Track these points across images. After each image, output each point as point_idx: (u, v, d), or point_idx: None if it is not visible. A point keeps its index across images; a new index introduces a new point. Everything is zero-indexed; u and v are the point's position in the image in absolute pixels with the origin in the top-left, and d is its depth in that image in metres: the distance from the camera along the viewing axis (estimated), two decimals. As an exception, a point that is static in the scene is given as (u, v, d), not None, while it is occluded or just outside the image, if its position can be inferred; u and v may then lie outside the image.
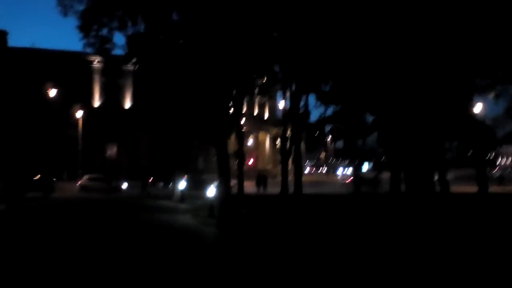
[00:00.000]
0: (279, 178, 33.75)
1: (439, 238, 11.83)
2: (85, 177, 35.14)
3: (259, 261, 9.30)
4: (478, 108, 29.43)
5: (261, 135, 65.92)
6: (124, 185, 35.10)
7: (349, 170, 78.45)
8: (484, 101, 30.14)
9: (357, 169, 37.74)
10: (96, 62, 51.17)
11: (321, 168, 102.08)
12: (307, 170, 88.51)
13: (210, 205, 17.08)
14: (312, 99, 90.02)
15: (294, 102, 31.15)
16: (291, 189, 30.80)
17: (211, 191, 17.33)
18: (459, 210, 18.57)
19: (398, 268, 8.42)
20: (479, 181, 27.73)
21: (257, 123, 61.38)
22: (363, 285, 7.29)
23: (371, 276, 7.90)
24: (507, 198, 25.65)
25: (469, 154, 39.01)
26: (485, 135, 28.46)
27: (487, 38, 19.23)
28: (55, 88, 41.74)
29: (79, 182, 34.29)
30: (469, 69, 21.26)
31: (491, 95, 28.51)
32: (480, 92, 27.23)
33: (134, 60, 26.93)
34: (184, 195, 25.24)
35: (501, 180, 39.04)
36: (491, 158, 74.61)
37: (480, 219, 15.64)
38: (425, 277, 7.75)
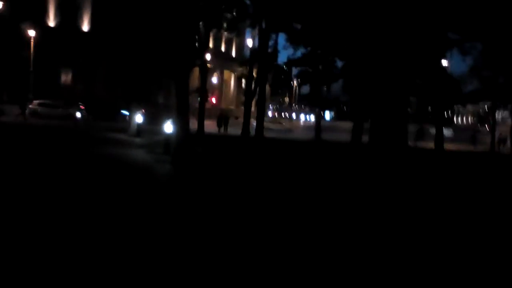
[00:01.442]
0: (241, 119, 33.24)
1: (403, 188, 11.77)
2: (35, 102, 33.18)
3: (208, 199, 8.90)
4: (445, 63, 29.39)
5: (226, 73, 64.39)
6: (78, 114, 33.53)
7: (311, 117, 79.34)
8: (450, 57, 30.16)
9: (319, 116, 37.67)
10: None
11: (283, 113, 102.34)
12: (269, 114, 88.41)
13: (166, 141, 16.44)
14: (281, 39, 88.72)
15: (263, 40, 30.08)
16: (253, 132, 30.46)
17: (167, 127, 16.59)
18: (417, 165, 18.79)
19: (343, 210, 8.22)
20: (437, 137, 28.21)
21: (223, 61, 59.64)
22: (311, 225, 6.99)
23: (315, 220, 7.62)
24: (462, 156, 26.40)
25: (429, 109, 39.49)
26: (452, 90, 28.66)
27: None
28: (6, 1, 38.19)
29: (29, 107, 32.37)
30: (442, 21, 20.85)
31: (458, 51, 28.45)
32: (449, 47, 27.08)
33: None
34: (140, 129, 24.33)
35: (473, 140, 39.23)
36: (449, 115, 77.02)
37: (435, 175, 15.83)
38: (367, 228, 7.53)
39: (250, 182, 11.68)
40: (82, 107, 35.92)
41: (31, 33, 39.25)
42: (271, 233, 6.66)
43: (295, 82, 78.27)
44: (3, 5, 33.02)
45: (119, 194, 9.09)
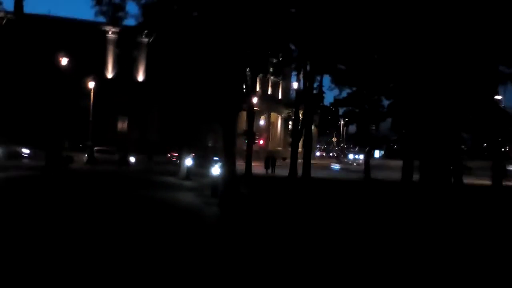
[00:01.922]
0: (289, 160, 33.13)
1: (448, 229, 11.20)
2: (94, 149, 34.92)
3: (253, 243, 8.80)
4: (499, 97, 28.23)
5: (273, 115, 65.08)
6: (132, 159, 34.80)
7: (360, 156, 77.80)
8: (504, 92, 28.89)
9: (368, 155, 36.88)
10: (111, 32, 50.52)
11: (332, 153, 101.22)
12: (317, 154, 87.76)
13: (214, 184, 16.58)
14: (326, 80, 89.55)
15: (308, 82, 30.30)
16: (300, 172, 30.20)
17: (215, 170, 16.79)
18: (471, 202, 17.80)
19: (402, 259, 7.82)
20: (494, 173, 26.71)
21: (270, 103, 60.49)
22: (363, 271, 6.68)
23: (373, 262, 7.28)
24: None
25: (484, 145, 37.70)
26: (507, 125, 27.29)
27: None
28: (69, 57, 41.36)
29: (87, 154, 34.09)
30: (494, 55, 20.23)
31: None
32: (502, 81, 26.06)
33: (147, 31, 26.28)
34: (190, 172, 24.77)
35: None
36: (506, 151, 73.04)
37: (491, 212, 14.88)
38: (429, 268, 7.11)
39: (295, 225, 11.45)
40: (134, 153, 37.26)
41: (91, 85, 41.90)
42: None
43: (342, 121, 77.59)
44: (67, 61, 35.63)
45: (169, 237, 9.20)
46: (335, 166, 51.44)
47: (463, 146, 39.94)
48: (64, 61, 36.41)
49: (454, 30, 16.71)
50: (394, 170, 33.82)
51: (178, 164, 26.95)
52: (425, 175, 15.92)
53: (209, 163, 25.82)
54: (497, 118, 24.59)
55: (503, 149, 42.22)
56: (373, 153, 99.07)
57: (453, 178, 22.12)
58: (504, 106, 30.49)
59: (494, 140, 25.19)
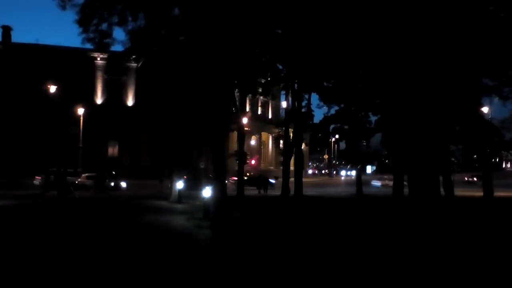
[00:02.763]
0: (281, 180, 33.09)
1: (442, 242, 11.17)
2: (83, 175, 34.61)
3: (246, 267, 8.67)
4: (484, 110, 28.55)
5: (264, 135, 65.30)
6: (123, 184, 34.50)
7: (353, 172, 77.92)
8: (490, 103, 29.25)
9: (360, 171, 36.95)
10: (99, 59, 50.74)
11: (324, 170, 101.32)
12: (310, 172, 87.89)
13: (205, 206, 16.49)
14: (315, 98, 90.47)
15: (296, 101, 30.55)
16: (293, 190, 30.13)
17: (206, 192, 16.66)
18: (464, 214, 17.82)
19: (398, 272, 7.76)
20: (485, 185, 26.84)
21: (260, 123, 60.75)
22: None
23: (370, 281, 7.20)
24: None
25: (474, 157, 38.02)
26: (494, 136, 27.55)
27: (495, 37, 18.50)
28: (58, 84, 41.41)
29: (78, 180, 33.76)
30: (477, 68, 20.53)
31: (497, 97, 27.64)
32: (487, 93, 26.41)
33: (134, 56, 26.39)
34: (181, 195, 24.60)
35: None
36: (496, 162, 73.56)
37: (484, 224, 14.90)
38: (425, 281, 7.06)
39: (287, 245, 11.35)
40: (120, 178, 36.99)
41: (80, 111, 41.76)
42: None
43: (332, 138, 78.06)
44: (56, 88, 35.58)
45: (159, 262, 9.04)
46: (376, 183, 48.88)
47: (453, 159, 40.18)
48: (52, 88, 36.42)
49: (438, 44, 16.95)
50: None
51: (169, 188, 26.74)
52: (415, 189, 15.86)
53: (200, 185, 25.67)
54: (484, 130, 24.86)
55: (493, 160, 42.58)
56: (365, 169, 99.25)
57: (443, 191, 22.16)
58: (490, 118, 30.85)
59: (482, 151, 25.40)
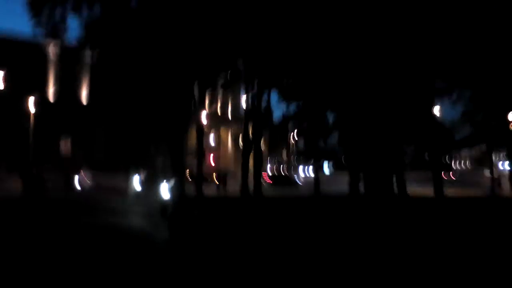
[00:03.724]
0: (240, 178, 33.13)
1: (396, 240, 11.60)
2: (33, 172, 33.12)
3: (200, 267, 8.67)
4: (436, 111, 29.76)
5: (222, 132, 65.03)
6: (76, 182, 33.38)
7: (310, 170, 79.15)
8: (441, 105, 30.53)
9: (317, 169, 37.60)
10: (52, 51, 48.84)
11: (282, 169, 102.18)
12: (268, 171, 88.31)
13: (162, 205, 16.18)
14: (274, 95, 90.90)
15: (256, 98, 30.53)
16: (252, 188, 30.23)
17: (164, 190, 16.38)
18: (416, 212, 18.54)
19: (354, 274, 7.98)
20: (436, 184, 27.98)
21: (220, 120, 60.54)
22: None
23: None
24: (463, 201, 26.08)
25: (426, 157, 39.63)
26: (444, 137, 28.79)
27: (446, 41, 19.30)
28: (7, 76, 39.50)
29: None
30: (429, 71, 21.35)
31: (448, 99, 28.91)
32: (438, 95, 27.56)
33: (89, 48, 25.53)
34: (138, 194, 24.11)
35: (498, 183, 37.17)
36: (448, 161, 77.04)
37: (436, 222, 15.58)
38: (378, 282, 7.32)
39: (245, 245, 11.44)
40: (82, 173, 35.92)
41: (31, 106, 40.06)
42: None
43: (291, 137, 78.87)
44: (4, 85, 33.91)
45: (113, 263, 8.87)
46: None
47: (405, 158, 41.62)
48: (2, 80, 34.59)
49: (392, 46, 17.50)
50: (343, 183, 34.76)
51: (125, 187, 26.19)
52: (370, 187, 16.43)
53: (158, 183, 25.30)
54: (435, 131, 25.94)
55: (442, 160, 44.49)
56: (322, 167, 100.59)
57: (397, 189, 22.96)
58: (443, 119, 32.23)
59: (433, 151, 26.49)
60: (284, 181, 35.41)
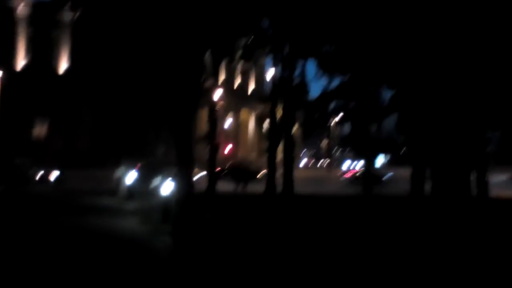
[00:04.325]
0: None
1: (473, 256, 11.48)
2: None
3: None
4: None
5: (243, 114, 65.37)
6: (54, 175, 34.13)
7: (359, 164, 78.75)
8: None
9: (369, 163, 37.30)
10: (21, 8, 49.68)
11: (322, 160, 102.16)
12: (303, 163, 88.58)
13: (165, 206, 16.52)
14: (312, 67, 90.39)
15: (287, 70, 30.52)
16: (280, 186, 30.33)
17: (166, 187, 16.69)
18: (500, 220, 18.24)
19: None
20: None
21: (239, 98, 60.85)
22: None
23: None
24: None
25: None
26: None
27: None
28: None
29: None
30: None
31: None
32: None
33: (70, 3, 25.90)
34: (133, 191, 24.67)
35: None
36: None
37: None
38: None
39: (271, 262, 11.44)
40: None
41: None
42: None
43: (333, 121, 78.52)
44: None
45: (98, 281, 9.06)
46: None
47: (488, 149, 40.90)
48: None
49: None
50: (403, 180, 34.42)
51: (117, 180, 26.70)
52: (439, 187, 16.15)
53: (159, 179, 25.74)
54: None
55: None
56: (375, 160, 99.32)
57: (476, 190, 22.59)
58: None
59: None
60: (369, 179, 35.62)
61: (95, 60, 36.99)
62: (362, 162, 60.66)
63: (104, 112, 44.02)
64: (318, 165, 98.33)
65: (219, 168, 39.23)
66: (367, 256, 11.84)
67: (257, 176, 39.09)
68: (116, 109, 33.20)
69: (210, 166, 30.02)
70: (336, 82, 35.45)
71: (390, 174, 43.29)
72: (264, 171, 39.23)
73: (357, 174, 43.35)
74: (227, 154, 51.92)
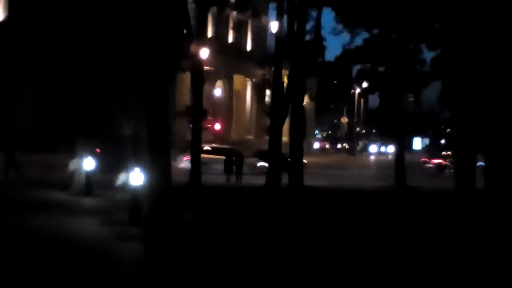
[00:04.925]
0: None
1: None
2: None
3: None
4: None
5: (237, 81, 65.35)
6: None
7: (389, 148, 79.26)
8: None
9: (402, 146, 37.47)
10: None
11: (341, 142, 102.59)
12: (316, 145, 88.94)
13: (133, 202, 16.69)
14: (328, 18, 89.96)
15: (296, 21, 30.46)
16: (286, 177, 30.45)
17: (135, 177, 16.79)
18: None
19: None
20: None
21: (232, 60, 60.64)
22: None
23: None
24: None
25: None
26: None
27: None
28: None
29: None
30: None
31: None
32: None
33: None
34: (91, 182, 24.83)
35: None
36: None
37: None
38: None
39: (269, 274, 11.58)
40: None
41: None
42: None
43: (357, 89, 78.56)
44: None
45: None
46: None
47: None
48: None
49: None
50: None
51: (71, 170, 26.72)
52: (495, 180, 16.19)
53: (126, 165, 25.74)
54: None
55: None
56: (411, 143, 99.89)
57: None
58: None
59: None
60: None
61: (38, 7, 36.69)
62: (392, 147, 60.89)
63: (51, 78, 43.74)
64: (336, 149, 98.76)
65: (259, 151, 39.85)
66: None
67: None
68: (67, 73, 32.79)
69: (193, 149, 30.03)
70: (360, 39, 35.45)
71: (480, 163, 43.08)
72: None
73: (445, 162, 43.81)
74: (216, 133, 51.91)
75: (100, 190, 24.25)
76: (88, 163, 25.19)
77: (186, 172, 29.56)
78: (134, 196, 16.79)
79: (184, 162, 36.04)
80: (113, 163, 30.78)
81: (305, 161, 33.83)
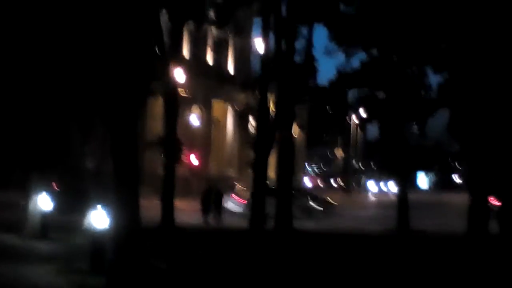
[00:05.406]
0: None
1: None
2: None
3: None
4: None
5: (217, 107, 65.46)
6: None
7: (390, 185, 79.40)
8: None
9: (405, 183, 37.54)
10: None
11: (335, 178, 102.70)
12: (307, 182, 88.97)
13: (95, 246, 16.63)
14: (320, 35, 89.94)
15: (284, 39, 30.63)
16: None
17: (98, 217, 16.73)
18: None
19: None
20: None
21: (211, 82, 60.81)
22: None
23: None
24: None
25: None
26: None
27: None
28: None
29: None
30: None
31: None
32: None
33: None
34: (47, 223, 24.76)
35: None
36: None
37: None
38: None
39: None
40: None
41: None
42: None
43: (353, 118, 79.00)
44: None
45: None
46: None
47: None
48: None
49: None
50: (455, 210, 34.67)
51: (24, 208, 26.63)
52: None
53: (87, 204, 25.69)
54: None
55: None
56: (415, 179, 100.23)
57: None
58: None
59: None
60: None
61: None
62: (391, 183, 60.74)
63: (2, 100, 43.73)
64: (330, 186, 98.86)
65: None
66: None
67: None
68: (20, 96, 32.70)
69: (165, 185, 29.93)
70: (357, 60, 35.64)
71: None
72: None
73: None
74: (192, 167, 51.82)
75: (57, 233, 24.18)
76: (44, 202, 25.06)
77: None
78: (96, 240, 16.73)
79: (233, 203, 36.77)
80: (72, 201, 30.70)
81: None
